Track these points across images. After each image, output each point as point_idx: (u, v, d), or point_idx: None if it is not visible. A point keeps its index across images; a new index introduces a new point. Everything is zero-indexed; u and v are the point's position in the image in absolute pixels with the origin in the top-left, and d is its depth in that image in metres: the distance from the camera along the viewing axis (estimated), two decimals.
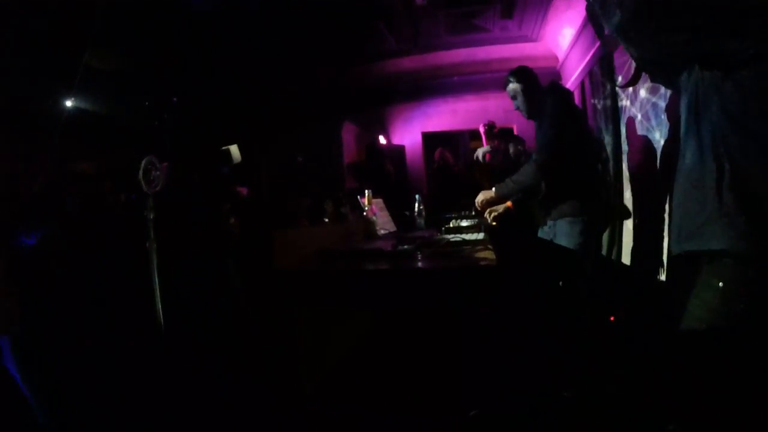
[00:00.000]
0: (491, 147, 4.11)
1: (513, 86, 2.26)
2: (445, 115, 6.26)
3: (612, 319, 2.83)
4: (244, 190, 3.13)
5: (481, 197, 2.35)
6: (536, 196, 2.32)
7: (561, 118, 2.06)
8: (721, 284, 1.06)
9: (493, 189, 2.31)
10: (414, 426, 1.66)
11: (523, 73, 2.25)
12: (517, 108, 2.30)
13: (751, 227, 0.98)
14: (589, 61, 4.27)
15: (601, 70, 3.90)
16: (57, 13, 3.42)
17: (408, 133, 6.44)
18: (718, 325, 1.08)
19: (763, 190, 0.98)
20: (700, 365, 1.14)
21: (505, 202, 2.34)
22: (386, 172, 5.77)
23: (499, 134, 4.25)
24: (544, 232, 2.36)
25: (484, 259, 1.50)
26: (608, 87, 3.64)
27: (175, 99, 4.70)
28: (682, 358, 1.21)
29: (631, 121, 3.04)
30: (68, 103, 3.94)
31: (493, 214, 2.36)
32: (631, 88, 2.98)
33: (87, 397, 1.99)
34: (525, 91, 2.23)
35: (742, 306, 1.04)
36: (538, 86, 2.25)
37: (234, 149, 1.62)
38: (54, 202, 2.21)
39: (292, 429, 1.71)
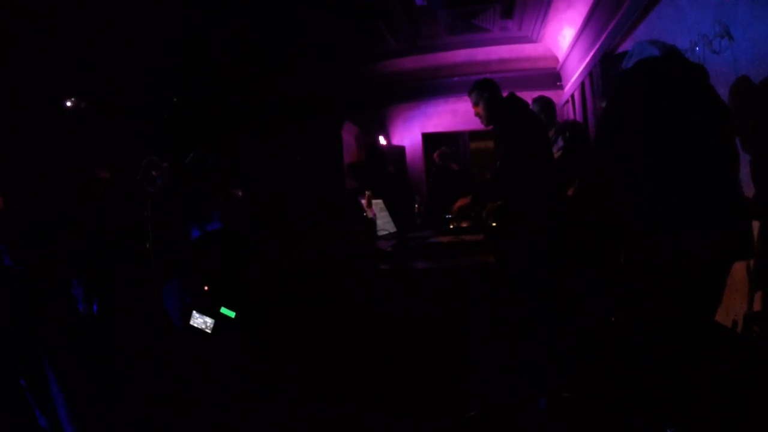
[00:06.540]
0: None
1: (476, 95, 2.48)
2: (445, 115, 6.25)
3: (612, 319, 2.82)
4: (238, 192, 3.13)
5: (457, 204, 2.57)
6: (502, 196, 2.53)
7: (515, 125, 2.34)
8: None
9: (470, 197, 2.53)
10: (413, 426, 1.66)
11: (487, 84, 2.48)
12: (478, 115, 2.52)
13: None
14: (589, 61, 4.26)
15: (602, 71, 3.89)
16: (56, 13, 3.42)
17: (408, 133, 6.43)
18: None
19: None
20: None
21: (478, 204, 2.58)
22: (387, 172, 5.75)
23: None
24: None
25: (484, 259, 1.51)
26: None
27: (175, 99, 4.69)
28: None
29: None
30: (68, 103, 3.94)
31: (489, 212, 2.55)
32: None
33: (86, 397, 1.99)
34: (486, 101, 2.44)
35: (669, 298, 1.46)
36: (499, 97, 2.48)
37: None
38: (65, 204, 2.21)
39: (291, 429, 1.71)
